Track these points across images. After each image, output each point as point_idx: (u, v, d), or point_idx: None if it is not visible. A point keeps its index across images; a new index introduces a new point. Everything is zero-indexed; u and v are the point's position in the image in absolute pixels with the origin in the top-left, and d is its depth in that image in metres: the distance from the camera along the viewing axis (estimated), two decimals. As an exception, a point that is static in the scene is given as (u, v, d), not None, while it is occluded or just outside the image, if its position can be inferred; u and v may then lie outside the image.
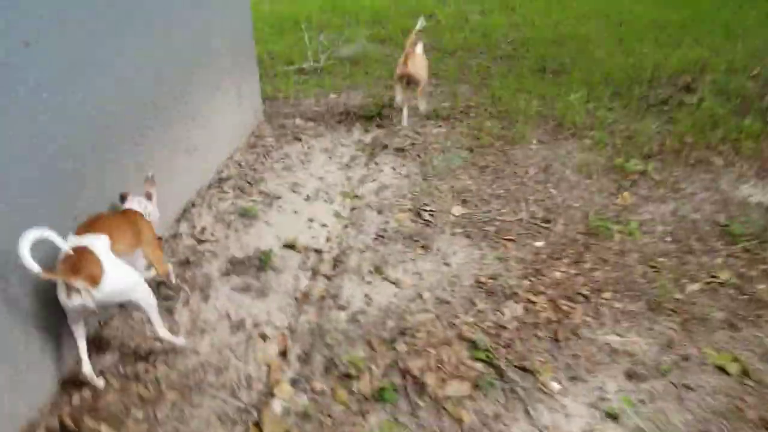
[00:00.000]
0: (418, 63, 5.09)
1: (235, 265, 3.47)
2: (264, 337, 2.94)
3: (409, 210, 4.03)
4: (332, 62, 7.39)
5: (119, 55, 3.06)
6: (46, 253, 2.24)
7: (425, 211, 4.00)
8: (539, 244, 3.59)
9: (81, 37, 2.73)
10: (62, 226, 2.32)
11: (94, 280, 2.29)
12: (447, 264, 3.46)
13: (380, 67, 7.15)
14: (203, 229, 3.81)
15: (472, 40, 8.11)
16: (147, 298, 2.60)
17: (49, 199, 2.53)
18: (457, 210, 3.98)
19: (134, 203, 3.03)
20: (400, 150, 4.97)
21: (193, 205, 4.02)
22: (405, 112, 5.43)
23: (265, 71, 6.98)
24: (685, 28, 8.05)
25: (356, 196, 4.28)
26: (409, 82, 5.12)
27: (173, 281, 3.23)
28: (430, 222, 3.88)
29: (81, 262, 2.29)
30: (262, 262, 3.49)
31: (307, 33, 7.79)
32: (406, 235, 3.75)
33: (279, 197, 4.23)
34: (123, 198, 3.07)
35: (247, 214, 3.96)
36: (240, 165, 4.69)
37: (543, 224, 3.78)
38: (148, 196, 3.17)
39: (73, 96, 2.65)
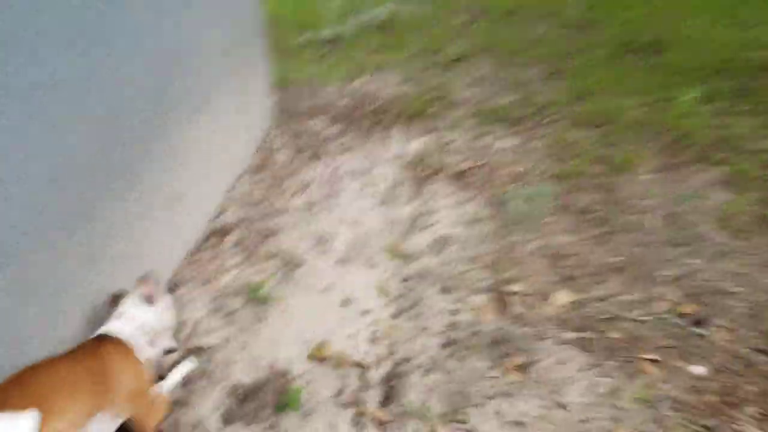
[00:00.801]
0: None
1: (242, 402, 2.38)
2: None
3: (489, 290, 2.87)
4: (357, 30, 6.05)
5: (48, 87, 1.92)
6: None
7: (513, 293, 2.82)
8: (698, 370, 2.45)
9: None
10: None
11: None
12: (561, 405, 2.35)
13: (419, 38, 5.84)
14: (194, 329, 2.66)
15: (528, -1, 6.73)
16: None
17: None
18: (561, 297, 2.82)
19: (121, 321, 2.16)
20: (458, 176, 3.75)
21: (177, 285, 2.85)
22: None
23: (273, 44, 5.65)
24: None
25: (407, 256, 3.10)
26: None
27: None
28: (523, 316, 2.71)
29: None
30: (280, 397, 2.36)
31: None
32: (489, 338, 2.63)
33: (299, 263, 3.05)
34: (115, 300, 2.24)
35: (256, 297, 2.80)
36: (244, 204, 3.49)
37: (694, 328, 2.60)
38: (148, 300, 2.25)
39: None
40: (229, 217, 3.43)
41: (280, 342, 2.67)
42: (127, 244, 2.52)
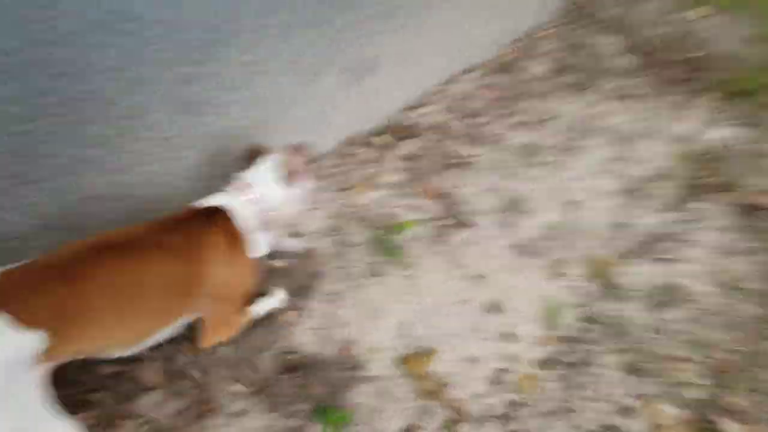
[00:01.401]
0: None
1: (281, 377, 1.72)
2: None
3: (695, 406, 1.90)
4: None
5: None
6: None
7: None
8: None
9: None
10: None
11: None
12: None
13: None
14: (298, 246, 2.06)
15: None
16: None
17: None
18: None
19: (244, 195, 1.61)
20: (750, 209, 2.56)
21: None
22: None
23: None
24: None
25: (612, 285, 2.14)
26: None
27: None
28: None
29: None
30: (328, 401, 1.70)
31: None
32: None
33: (465, 223, 2.24)
34: (253, 156, 1.72)
35: (385, 241, 2.09)
36: (451, 109, 2.66)
37: None
38: (290, 177, 1.66)
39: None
40: (424, 118, 2.64)
41: (377, 318, 1.97)
42: (274, 97, 1.99)
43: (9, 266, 1.20)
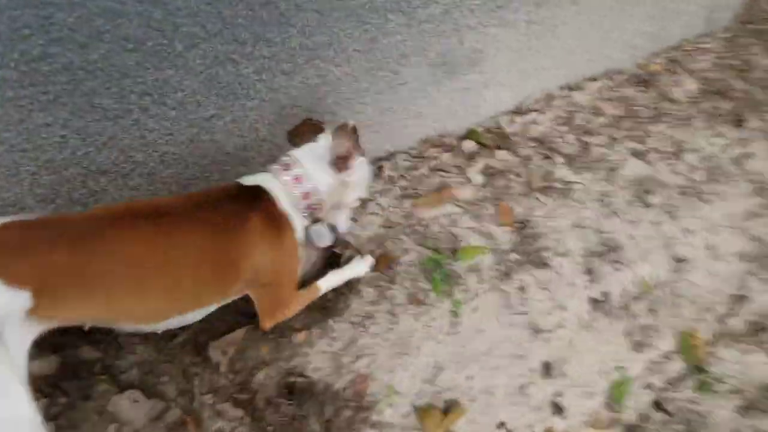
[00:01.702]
0: None
1: (277, 399, 1.57)
2: None
3: None
4: None
5: None
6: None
7: None
8: None
9: None
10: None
11: None
12: None
13: None
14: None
15: None
16: None
17: None
18: None
19: (288, 176, 1.46)
20: None
21: (381, 167, 2.02)
22: None
23: None
24: None
25: (700, 371, 1.84)
26: None
27: None
28: None
29: None
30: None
31: None
32: None
33: (541, 263, 1.95)
34: (307, 132, 1.54)
35: (439, 266, 1.85)
36: (561, 121, 2.33)
37: None
38: (341, 163, 1.49)
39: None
40: (525, 127, 2.31)
41: (406, 355, 1.74)
42: (338, 86, 1.81)
43: (7, 219, 1.13)
